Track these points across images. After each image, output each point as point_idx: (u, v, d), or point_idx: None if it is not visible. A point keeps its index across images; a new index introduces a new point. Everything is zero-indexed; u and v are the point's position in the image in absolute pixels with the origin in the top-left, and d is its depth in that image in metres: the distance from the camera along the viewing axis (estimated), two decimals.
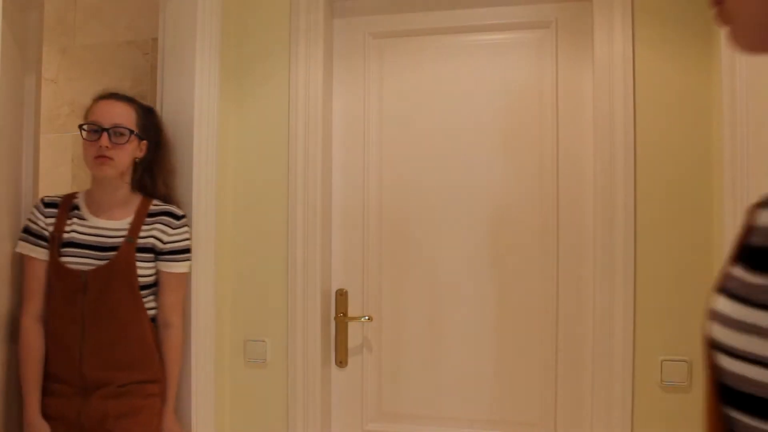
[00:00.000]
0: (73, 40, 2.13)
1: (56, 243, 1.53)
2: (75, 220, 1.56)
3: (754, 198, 1.25)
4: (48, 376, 1.53)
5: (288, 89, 1.93)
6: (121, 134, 1.54)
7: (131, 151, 1.57)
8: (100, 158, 1.51)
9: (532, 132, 1.94)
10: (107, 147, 1.51)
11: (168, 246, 1.60)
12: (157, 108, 1.80)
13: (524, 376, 1.94)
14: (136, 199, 1.61)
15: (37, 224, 1.55)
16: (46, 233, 1.55)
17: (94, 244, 1.54)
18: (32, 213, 1.58)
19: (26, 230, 1.56)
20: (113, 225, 1.57)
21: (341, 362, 2.00)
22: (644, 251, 1.71)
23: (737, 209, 1.28)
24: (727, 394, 0.48)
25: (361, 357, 2.00)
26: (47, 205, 1.57)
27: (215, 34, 1.84)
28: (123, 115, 1.55)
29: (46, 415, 1.51)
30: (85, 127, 1.53)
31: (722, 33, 1.54)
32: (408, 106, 1.99)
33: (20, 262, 1.58)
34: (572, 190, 1.89)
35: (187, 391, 1.73)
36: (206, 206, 1.80)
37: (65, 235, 1.54)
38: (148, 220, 1.58)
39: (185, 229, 1.64)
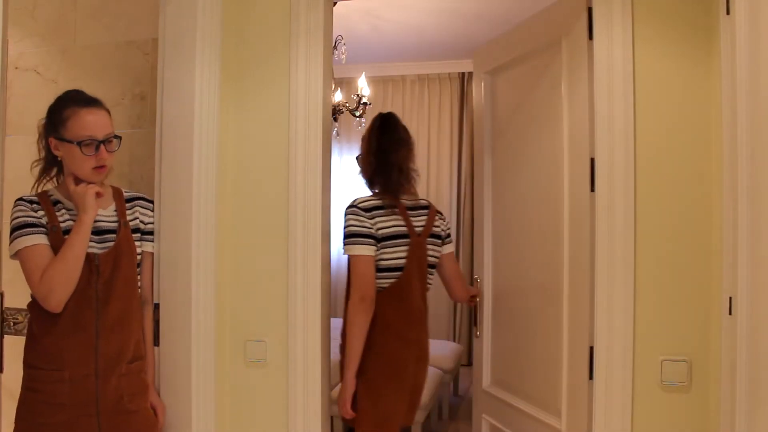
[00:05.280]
0: (73, 41, 2.13)
1: (59, 232, 1.56)
2: (63, 211, 1.60)
3: (755, 198, 1.24)
4: (59, 365, 1.54)
5: (288, 89, 1.93)
6: (112, 142, 1.61)
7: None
8: (99, 168, 1.58)
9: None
10: (107, 158, 1.58)
11: (148, 227, 1.75)
12: (158, 108, 1.81)
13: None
14: (108, 188, 1.70)
15: (32, 217, 1.56)
16: (44, 222, 1.56)
17: (92, 229, 1.59)
18: (20, 210, 1.56)
19: (24, 225, 1.54)
20: (101, 212, 1.64)
21: None
22: (644, 251, 1.71)
23: (737, 209, 1.28)
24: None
25: None
26: (30, 201, 1.59)
27: (215, 33, 1.84)
28: (109, 123, 1.62)
29: (59, 403, 1.52)
30: (83, 143, 1.55)
31: (722, 32, 1.54)
32: None
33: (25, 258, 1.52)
34: (572, 191, 1.89)
35: (187, 391, 1.73)
36: (206, 206, 1.80)
37: (62, 225, 1.58)
38: (128, 204, 1.72)
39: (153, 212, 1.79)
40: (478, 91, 2.48)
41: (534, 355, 2.08)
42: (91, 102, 1.61)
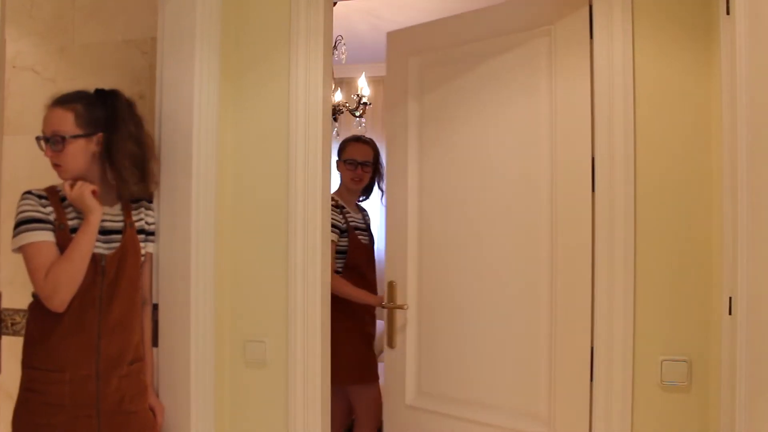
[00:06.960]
0: (71, 40, 2.12)
1: (66, 230, 1.54)
2: (71, 209, 1.57)
3: (755, 198, 1.24)
4: (59, 366, 1.52)
5: (288, 88, 1.92)
6: (57, 142, 1.55)
7: (76, 153, 1.57)
8: (54, 167, 1.58)
9: (532, 131, 1.93)
10: (51, 156, 1.57)
11: (152, 227, 1.75)
12: (156, 107, 1.80)
13: (527, 374, 1.94)
14: (114, 188, 1.65)
15: (40, 212, 1.53)
16: (52, 219, 1.54)
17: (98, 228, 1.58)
18: (27, 204, 1.52)
19: (31, 220, 1.51)
20: (107, 210, 1.62)
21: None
22: (644, 252, 1.71)
23: (737, 209, 1.28)
24: None
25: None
26: (39, 196, 1.55)
27: (214, 32, 1.84)
28: (58, 122, 1.56)
29: (59, 404, 1.50)
30: (38, 138, 1.58)
31: (722, 32, 1.54)
32: None
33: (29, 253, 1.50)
34: (572, 191, 1.88)
35: (186, 392, 1.73)
36: (205, 206, 1.80)
37: (70, 223, 1.55)
38: (134, 205, 1.70)
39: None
40: (399, 73, 2.27)
41: (503, 360, 2.01)
42: (57, 100, 1.59)
